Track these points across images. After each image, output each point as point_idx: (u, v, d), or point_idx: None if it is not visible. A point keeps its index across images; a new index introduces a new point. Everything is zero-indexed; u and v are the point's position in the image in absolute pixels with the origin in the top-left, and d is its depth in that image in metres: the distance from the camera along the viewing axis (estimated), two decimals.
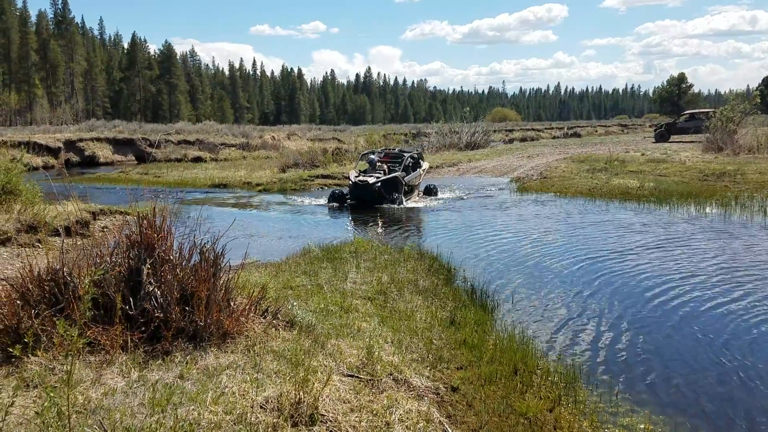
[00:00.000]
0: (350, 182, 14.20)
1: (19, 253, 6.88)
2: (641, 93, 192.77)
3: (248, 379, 3.45)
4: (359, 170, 15.17)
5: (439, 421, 3.46)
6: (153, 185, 16.29)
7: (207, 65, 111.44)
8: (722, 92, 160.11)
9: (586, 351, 5.04)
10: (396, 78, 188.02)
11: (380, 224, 11.85)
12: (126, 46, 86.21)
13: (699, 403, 4.15)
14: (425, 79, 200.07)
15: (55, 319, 3.59)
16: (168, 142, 33.72)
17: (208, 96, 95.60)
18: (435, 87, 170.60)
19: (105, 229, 9.15)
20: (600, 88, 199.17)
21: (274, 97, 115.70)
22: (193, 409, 3.02)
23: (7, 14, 67.71)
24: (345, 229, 11.45)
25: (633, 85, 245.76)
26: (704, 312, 5.98)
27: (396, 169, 14.82)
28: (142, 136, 34.67)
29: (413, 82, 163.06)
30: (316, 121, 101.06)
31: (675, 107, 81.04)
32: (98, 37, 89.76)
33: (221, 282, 4.27)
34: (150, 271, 3.99)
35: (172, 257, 4.20)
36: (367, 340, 4.38)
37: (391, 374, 3.89)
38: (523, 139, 54.85)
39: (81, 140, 31.33)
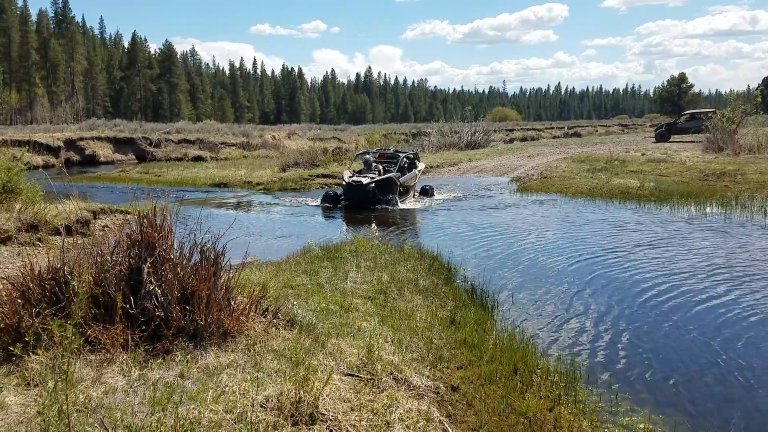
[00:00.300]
0: (344, 182, 13.80)
1: (20, 252, 6.89)
2: (642, 93, 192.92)
3: (249, 378, 3.45)
4: (354, 170, 14.95)
5: (439, 420, 3.47)
6: (153, 184, 16.27)
7: (207, 64, 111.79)
8: (723, 92, 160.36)
9: (586, 350, 5.04)
10: (396, 77, 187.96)
11: (380, 224, 11.85)
12: (126, 45, 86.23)
13: (698, 403, 4.15)
14: (426, 79, 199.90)
15: (55, 318, 3.60)
16: (168, 142, 33.75)
17: (208, 95, 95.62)
18: (435, 87, 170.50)
19: (105, 228, 9.16)
20: (600, 87, 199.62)
21: (275, 96, 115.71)
22: (193, 408, 3.03)
23: (7, 13, 67.72)
24: (345, 229, 11.45)
25: (633, 85, 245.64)
26: (704, 312, 5.99)
27: (391, 169, 14.40)
28: (143, 135, 34.61)
29: (414, 82, 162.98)
30: (317, 120, 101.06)
31: (675, 107, 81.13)
32: (99, 36, 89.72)
33: (222, 281, 4.27)
34: (150, 270, 3.99)
35: (172, 256, 4.20)
36: (368, 339, 4.38)
37: (391, 373, 3.89)
38: (523, 139, 54.84)
39: (81, 139, 31.33)
